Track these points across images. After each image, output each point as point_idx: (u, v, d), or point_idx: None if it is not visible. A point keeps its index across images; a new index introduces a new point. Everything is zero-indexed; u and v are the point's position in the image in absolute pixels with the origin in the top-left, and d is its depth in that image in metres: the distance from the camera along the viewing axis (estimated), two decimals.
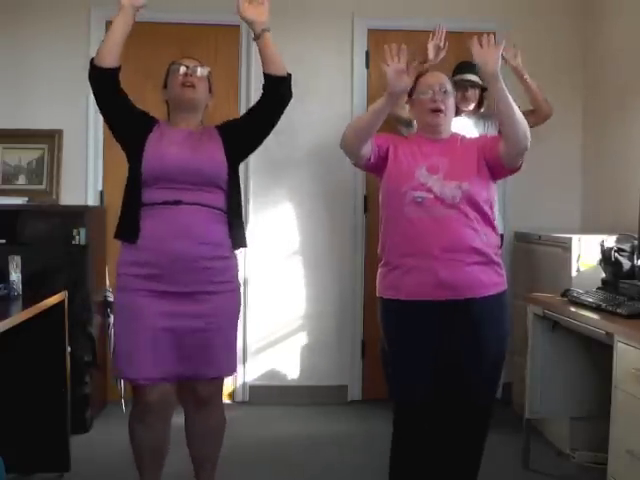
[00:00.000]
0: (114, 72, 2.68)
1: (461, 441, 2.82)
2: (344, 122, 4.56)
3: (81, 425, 3.94)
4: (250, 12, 2.67)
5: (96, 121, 4.46)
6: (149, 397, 2.67)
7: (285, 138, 4.50)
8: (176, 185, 2.64)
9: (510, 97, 2.61)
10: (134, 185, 2.70)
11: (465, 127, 3.71)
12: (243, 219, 2.87)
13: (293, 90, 2.78)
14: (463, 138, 2.86)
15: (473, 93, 4.13)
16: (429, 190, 2.68)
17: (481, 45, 2.57)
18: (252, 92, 4.46)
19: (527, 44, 4.52)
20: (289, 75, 2.76)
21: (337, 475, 3.50)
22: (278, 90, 2.74)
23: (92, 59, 2.70)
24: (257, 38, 2.70)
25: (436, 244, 2.65)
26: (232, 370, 2.85)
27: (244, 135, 2.80)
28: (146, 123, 2.78)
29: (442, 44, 3.95)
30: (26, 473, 3.33)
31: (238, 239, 2.79)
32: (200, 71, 2.78)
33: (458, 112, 2.98)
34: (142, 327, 2.63)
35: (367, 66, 4.68)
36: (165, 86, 2.84)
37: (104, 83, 2.68)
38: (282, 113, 2.79)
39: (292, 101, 2.76)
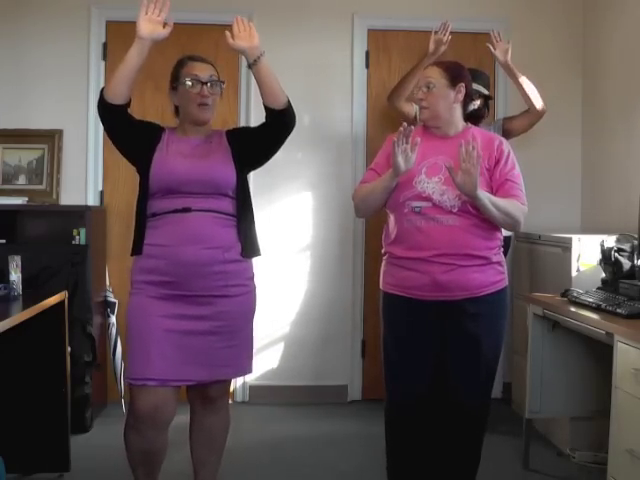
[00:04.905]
0: (122, 108, 2.62)
1: (459, 442, 2.82)
2: (344, 122, 4.68)
3: (81, 425, 3.94)
4: (240, 41, 2.57)
5: (96, 121, 4.42)
6: (142, 407, 2.60)
7: None
8: (185, 194, 2.62)
9: (492, 206, 2.62)
10: (142, 197, 2.68)
11: None
12: (255, 229, 2.79)
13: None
14: (475, 137, 2.74)
15: (479, 102, 3.95)
16: (428, 198, 2.69)
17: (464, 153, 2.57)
18: (252, 92, 4.43)
19: (527, 45, 4.53)
20: (289, 101, 2.66)
21: (337, 475, 3.50)
22: (281, 121, 2.66)
23: (102, 88, 2.65)
24: (252, 66, 2.59)
25: (434, 250, 2.68)
26: (247, 371, 2.82)
27: (252, 149, 2.73)
28: (152, 137, 2.71)
29: (445, 39, 3.94)
30: (26, 473, 3.33)
31: (249, 245, 2.71)
32: (215, 84, 2.72)
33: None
34: (150, 328, 2.60)
35: (367, 66, 4.68)
36: (173, 88, 2.74)
37: (111, 116, 2.64)
38: (289, 134, 2.71)
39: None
